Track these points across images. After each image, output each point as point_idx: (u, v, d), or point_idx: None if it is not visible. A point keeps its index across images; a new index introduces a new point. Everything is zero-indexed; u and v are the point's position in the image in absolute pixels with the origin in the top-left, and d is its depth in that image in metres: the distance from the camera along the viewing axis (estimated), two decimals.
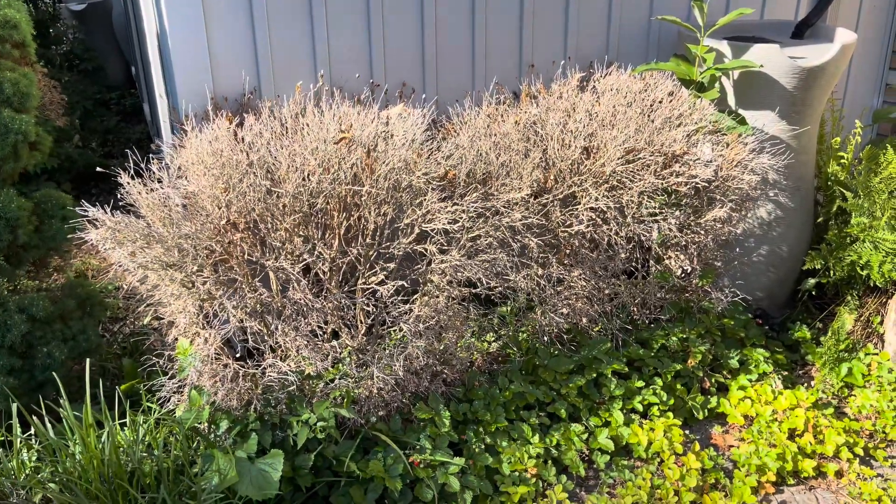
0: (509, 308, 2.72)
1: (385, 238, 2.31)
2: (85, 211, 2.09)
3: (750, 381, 2.77)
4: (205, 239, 2.11)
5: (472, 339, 2.70)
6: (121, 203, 2.16)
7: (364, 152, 2.21)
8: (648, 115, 2.65)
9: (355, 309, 2.34)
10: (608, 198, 2.49)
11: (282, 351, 2.34)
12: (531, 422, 2.47)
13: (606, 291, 2.77)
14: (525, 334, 2.72)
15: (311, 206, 2.19)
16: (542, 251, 2.56)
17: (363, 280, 2.31)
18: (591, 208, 2.51)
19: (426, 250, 2.28)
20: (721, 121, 2.76)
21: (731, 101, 2.94)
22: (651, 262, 2.89)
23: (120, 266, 2.15)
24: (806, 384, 2.89)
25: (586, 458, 2.50)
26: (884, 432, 2.65)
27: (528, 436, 2.43)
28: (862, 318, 3.02)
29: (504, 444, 2.40)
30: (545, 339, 2.70)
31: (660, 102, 2.72)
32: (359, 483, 2.23)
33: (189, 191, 2.18)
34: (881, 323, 2.98)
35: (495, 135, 2.51)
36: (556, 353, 2.66)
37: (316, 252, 2.24)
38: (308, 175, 2.16)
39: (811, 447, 2.53)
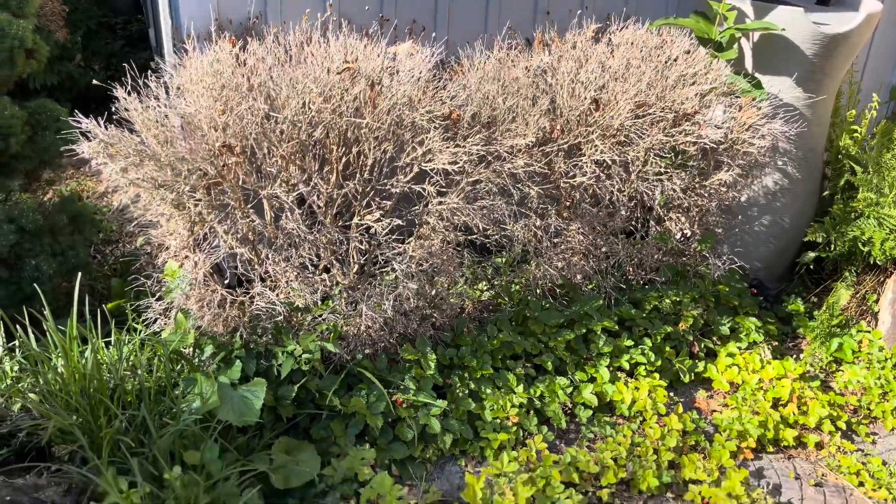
0: (504, 258, 2.69)
1: (384, 175, 2.26)
2: (79, 123, 2.04)
3: (739, 348, 2.76)
4: (199, 160, 2.07)
5: (465, 287, 2.68)
6: (115, 117, 2.10)
7: (368, 85, 2.15)
8: (662, 72, 2.58)
9: (349, 245, 2.30)
10: (614, 152, 2.44)
11: (271, 281, 2.31)
12: (517, 372, 2.46)
13: (603, 249, 2.74)
14: (518, 286, 2.69)
15: (309, 135, 2.14)
16: (542, 201, 2.52)
17: (358, 216, 2.27)
18: (596, 161, 2.46)
19: (424, 191, 2.24)
20: (736, 83, 2.69)
21: (749, 63, 2.87)
22: (651, 222, 2.85)
23: (111, 183, 2.10)
24: (795, 356, 2.88)
25: (569, 411, 2.51)
26: (868, 408, 2.65)
27: (512, 385, 2.42)
28: (858, 295, 2.99)
29: (488, 391, 2.39)
30: (538, 291, 2.67)
31: (675, 60, 2.65)
32: (340, 418, 2.23)
33: (186, 111, 2.13)
34: (877, 301, 2.95)
35: (504, 79, 2.44)
36: (548, 306, 2.64)
37: (312, 183, 2.20)
38: (308, 103, 2.11)
39: (794, 417, 2.53)
